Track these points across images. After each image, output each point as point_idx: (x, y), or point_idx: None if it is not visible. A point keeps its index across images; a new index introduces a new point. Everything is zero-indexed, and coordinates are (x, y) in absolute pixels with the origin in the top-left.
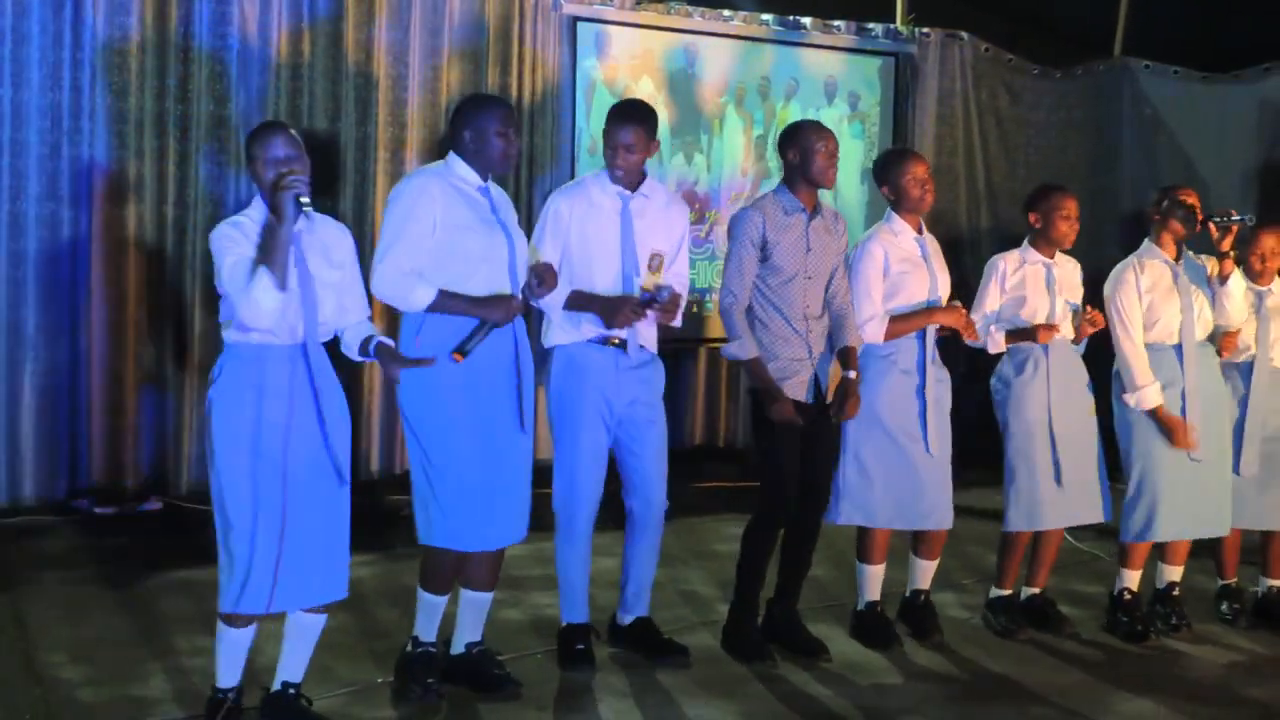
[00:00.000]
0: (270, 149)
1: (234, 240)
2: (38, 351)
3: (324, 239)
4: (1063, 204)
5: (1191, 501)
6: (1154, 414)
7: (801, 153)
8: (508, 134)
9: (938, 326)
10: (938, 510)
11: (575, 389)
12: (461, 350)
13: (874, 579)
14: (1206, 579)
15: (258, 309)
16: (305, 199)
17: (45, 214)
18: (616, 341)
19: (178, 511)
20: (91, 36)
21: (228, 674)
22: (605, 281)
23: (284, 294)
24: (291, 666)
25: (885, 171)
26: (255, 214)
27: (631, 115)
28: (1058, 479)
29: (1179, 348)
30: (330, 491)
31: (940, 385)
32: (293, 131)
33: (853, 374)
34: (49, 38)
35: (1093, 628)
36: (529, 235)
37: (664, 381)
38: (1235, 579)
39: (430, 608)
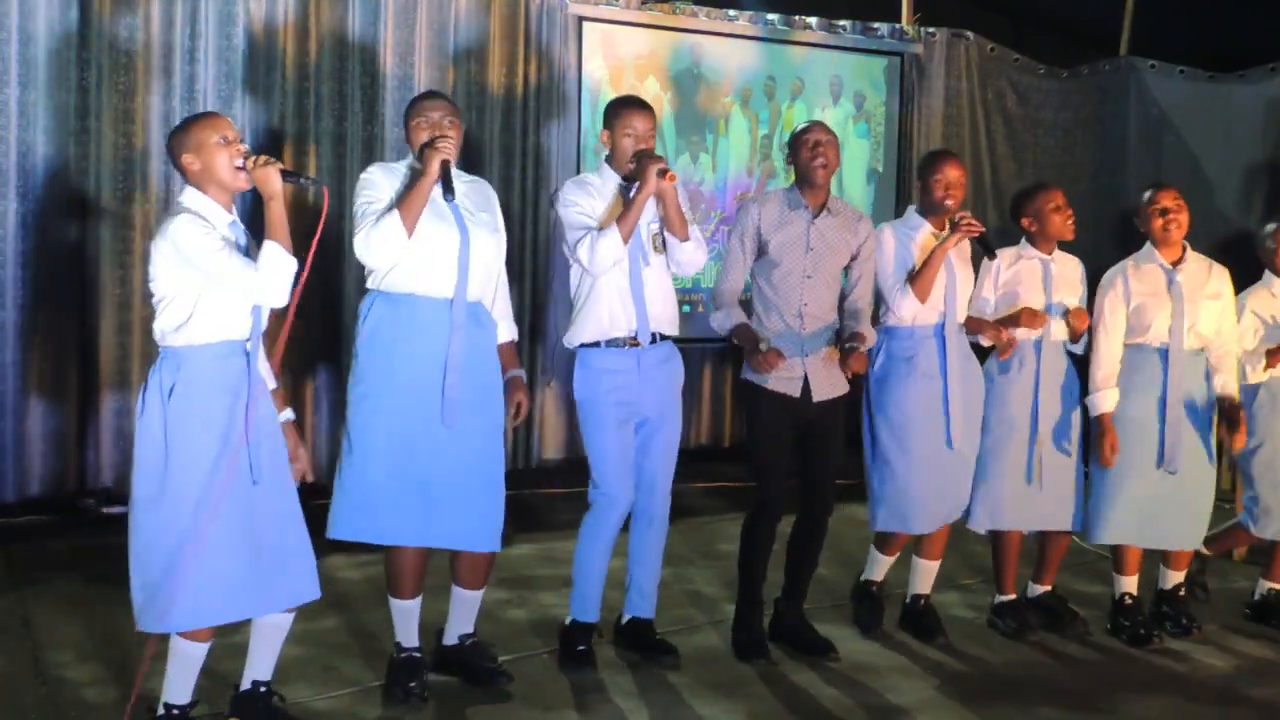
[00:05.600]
0: (220, 129)
1: (206, 228)
2: (45, 351)
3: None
4: (1051, 197)
5: (1155, 509)
6: (1099, 420)
7: (792, 151)
8: (420, 124)
9: (960, 326)
10: (956, 504)
11: (599, 392)
12: (450, 190)
13: (882, 565)
14: (1211, 580)
15: (282, 282)
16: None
17: (52, 214)
18: (631, 341)
19: None
20: (98, 37)
21: (180, 689)
22: (619, 269)
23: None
24: (259, 666)
25: (920, 171)
26: (202, 204)
27: (645, 105)
28: (1029, 478)
29: (1165, 351)
30: (280, 492)
31: (969, 381)
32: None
33: (860, 343)
34: (56, 38)
35: (1097, 629)
36: (537, 232)
37: (684, 373)
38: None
39: (400, 612)
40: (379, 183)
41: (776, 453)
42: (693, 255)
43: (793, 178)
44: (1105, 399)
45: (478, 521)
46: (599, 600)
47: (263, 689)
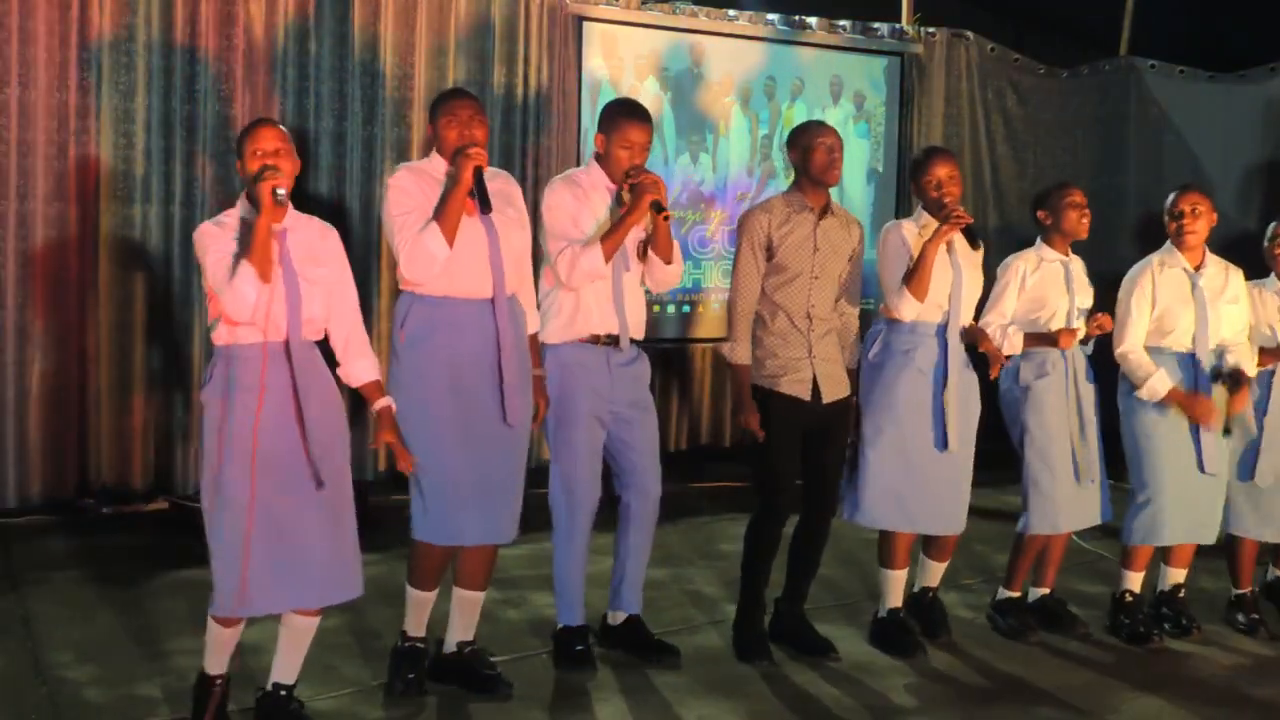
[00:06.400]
0: (256, 142)
1: (215, 237)
2: (45, 352)
3: (307, 237)
4: (1070, 193)
5: (1194, 507)
6: (1170, 394)
7: (801, 151)
8: (450, 123)
9: (964, 329)
10: (950, 514)
11: (570, 389)
12: (487, 204)
13: (895, 584)
14: (1210, 580)
15: (241, 301)
16: (281, 191)
17: (52, 214)
18: (606, 339)
19: (184, 512)
20: (98, 36)
21: (215, 662)
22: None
23: (265, 286)
24: (284, 668)
25: (911, 174)
26: (237, 211)
27: (644, 117)
28: (1077, 477)
29: (1189, 355)
30: (316, 493)
31: (966, 387)
32: (281, 128)
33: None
34: (56, 38)
35: (1096, 628)
36: (536, 234)
37: (650, 373)
38: (1250, 589)
39: (417, 603)
40: (410, 189)
41: (786, 455)
42: (672, 278)
43: (792, 176)
44: (1158, 384)
45: (515, 513)
46: (582, 601)
47: (283, 692)
